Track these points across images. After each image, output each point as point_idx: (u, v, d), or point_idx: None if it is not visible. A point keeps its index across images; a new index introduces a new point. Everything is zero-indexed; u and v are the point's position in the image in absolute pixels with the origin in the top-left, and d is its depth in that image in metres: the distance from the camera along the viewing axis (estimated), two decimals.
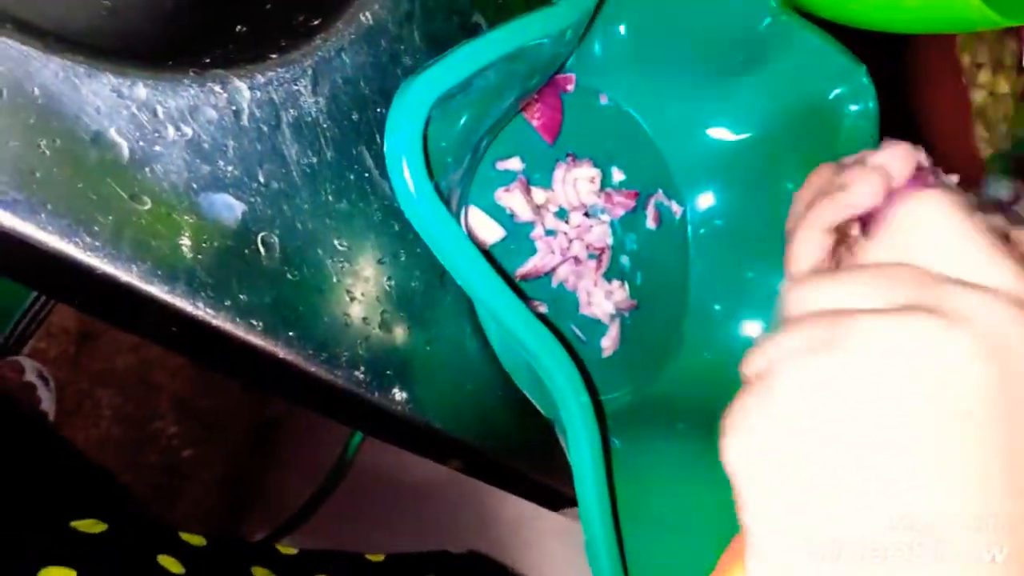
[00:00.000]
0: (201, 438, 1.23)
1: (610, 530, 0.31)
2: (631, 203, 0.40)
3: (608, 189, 0.40)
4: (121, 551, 0.38)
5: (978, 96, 0.63)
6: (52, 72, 0.24)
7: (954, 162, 0.66)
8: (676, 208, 0.43)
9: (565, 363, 0.30)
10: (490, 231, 0.35)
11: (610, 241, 0.39)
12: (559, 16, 0.31)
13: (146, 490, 1.12)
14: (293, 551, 0.46)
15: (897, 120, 0.64)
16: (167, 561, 0.37)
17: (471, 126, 0.31)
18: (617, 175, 0.41)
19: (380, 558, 0.50)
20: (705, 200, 0.43)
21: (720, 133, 0.41)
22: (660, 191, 0.42)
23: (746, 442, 0.22)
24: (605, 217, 0.40)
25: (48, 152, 0.24)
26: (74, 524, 0.39)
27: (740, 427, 0.22)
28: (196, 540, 0.42)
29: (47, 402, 0.96)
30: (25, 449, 0.56)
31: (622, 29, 0.38)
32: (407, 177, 0.28)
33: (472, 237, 0.35)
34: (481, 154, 0.34)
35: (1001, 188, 0.32)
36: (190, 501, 1.17)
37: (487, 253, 0.34)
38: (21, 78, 0.24)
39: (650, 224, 0.42)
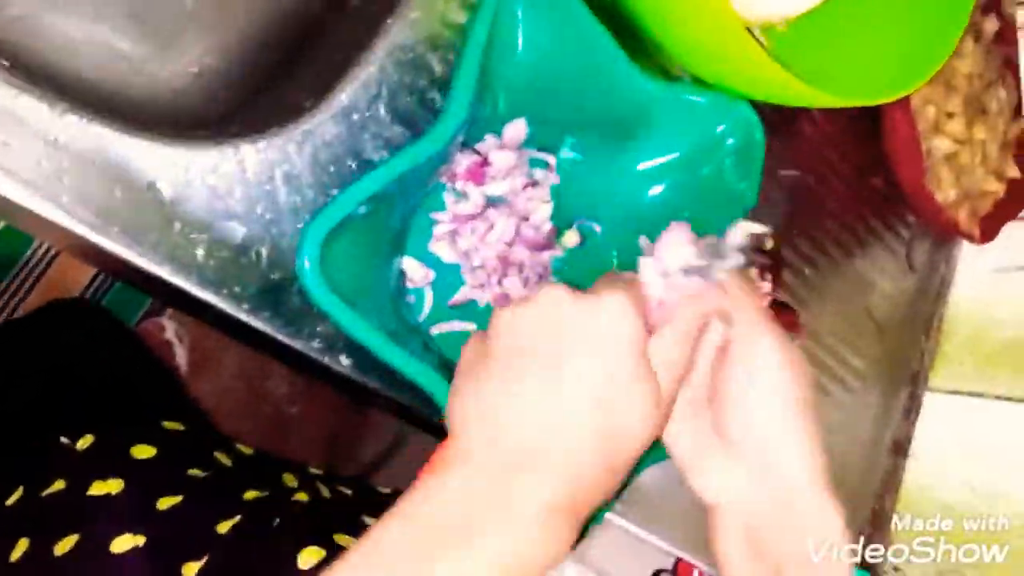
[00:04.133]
0: (307, 400, 1.43)
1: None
2: (543, 240, 0.52)
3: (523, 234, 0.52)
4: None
5: (942, 144, 0.70)
6: (126, 144, 0.40)
7: (914, 201, 0.73)
8: (597, 227, 0.55)
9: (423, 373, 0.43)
10: (421, 274, 0.48)
11: (528, 271, 0.52)
12: (427, 146, 0.44)
13: (254, 439, 1.33)
14: (250, 450, 0.61)
15: (869, 163, 0.73)
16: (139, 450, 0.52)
17: (386, 212, 0.45)
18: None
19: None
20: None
21: (631, 176, 0.53)
22: (583, 217, 0.54)
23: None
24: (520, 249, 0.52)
25: (119, 194, 0.40)
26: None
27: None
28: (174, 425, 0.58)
29: (181, 358, 1.18)
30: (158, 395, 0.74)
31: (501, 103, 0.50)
32: (310, 284, 0.42)
33: (409, 279, 0.48)
34: (408, 224, 0.48)
35: (738, 234, 0.40)
36: (290, 450, 1.38)
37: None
38: (106, 148, 0.40)
39: (571, 244, 0.54)
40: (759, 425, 0.39)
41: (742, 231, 0.38)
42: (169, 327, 1.18)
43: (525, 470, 0.33)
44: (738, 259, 0.38)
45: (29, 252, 1.14)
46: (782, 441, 0.38)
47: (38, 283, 1.15)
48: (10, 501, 0.48)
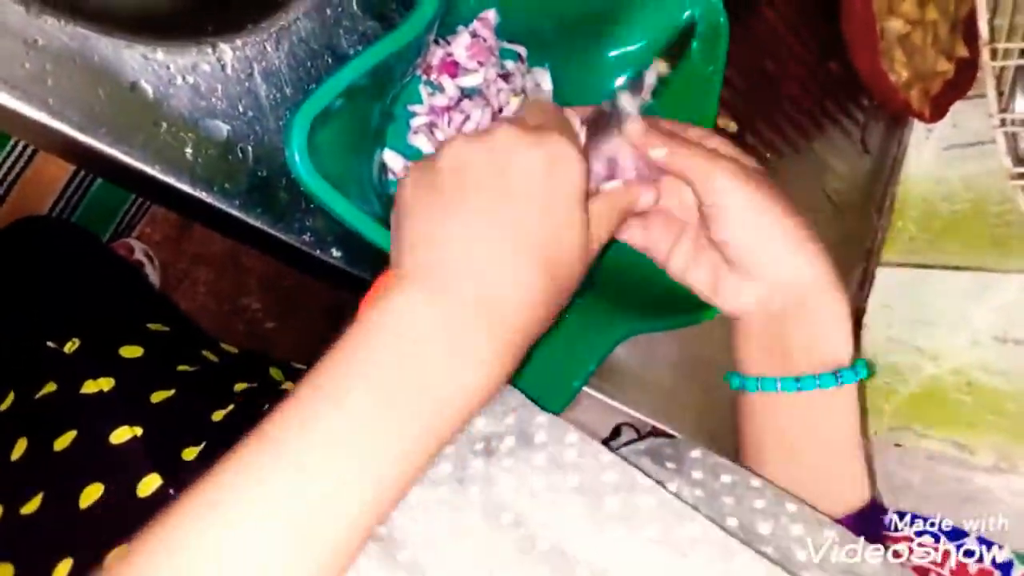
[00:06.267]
0: (282, 313, 1.45)
1: None
2: None
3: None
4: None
5: (896, 25, 0.72)
6: (104, 45, 0.40)
7: (870, 83, 0.75)
8: None
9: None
10: (400, 164, 0.50)
11: None
12: (402, 35, 0.45)
13: None
14: (235, 350, 0.63)
15: (827, 48, 0.75)
16: (127, 350, 0.53)
17: (365, 107, 0.46)
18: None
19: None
20: None
21: (600, 65, 0.55)
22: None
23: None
24: None
25: (103, 95, 0.40)
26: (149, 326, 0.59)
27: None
28: (157, 327, 0.60)
29: (153, 277, 1.19)
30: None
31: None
32: (301, 171, 0.43)
33: (390, 171, 0.50)
34: (388, 116, 0.49)
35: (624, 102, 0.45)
36: None
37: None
38: (86, 50, 0.40)
39: None
40: (761, 252, 0.42)
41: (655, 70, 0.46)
42: (138, 248, 1.18)
43: (468, 300, 0.34)
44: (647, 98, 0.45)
45: None
46: (785, 259, 0.42)
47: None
48: (3, 407, 0.49)
